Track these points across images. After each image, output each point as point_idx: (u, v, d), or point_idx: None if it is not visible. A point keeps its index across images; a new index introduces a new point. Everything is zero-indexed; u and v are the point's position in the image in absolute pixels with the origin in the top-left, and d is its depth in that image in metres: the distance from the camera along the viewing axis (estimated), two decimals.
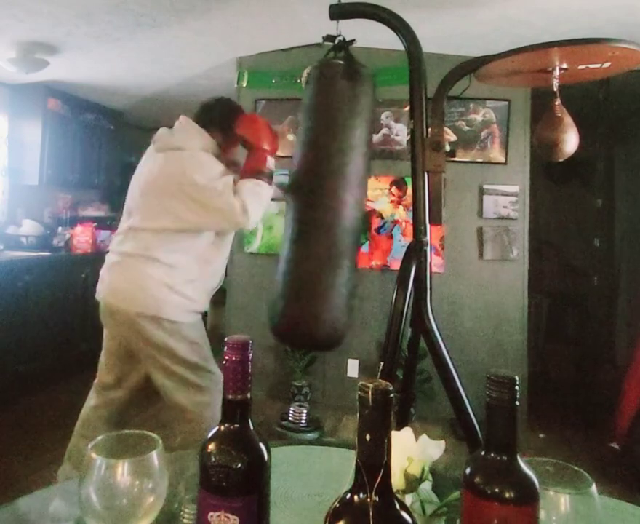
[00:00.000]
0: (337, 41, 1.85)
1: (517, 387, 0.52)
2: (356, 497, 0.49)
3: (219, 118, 2.06)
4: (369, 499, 0.48)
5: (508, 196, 3.55)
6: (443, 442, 0.73)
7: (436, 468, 0.75)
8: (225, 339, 0.58)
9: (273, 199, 2.16)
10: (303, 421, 3.23)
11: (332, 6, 1.78)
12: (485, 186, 3.58)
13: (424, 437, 0.73)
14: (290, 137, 3.69)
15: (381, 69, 3.33)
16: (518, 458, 0.52)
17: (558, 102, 1.71)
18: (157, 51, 3.60)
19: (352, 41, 1.88)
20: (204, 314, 2.13)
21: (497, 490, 0.51)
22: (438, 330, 1.73)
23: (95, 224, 4.61)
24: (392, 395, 0.49)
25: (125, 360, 2.05)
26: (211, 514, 0.56)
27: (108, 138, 5.05)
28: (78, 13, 2.93)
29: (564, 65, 1.62)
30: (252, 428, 0.59)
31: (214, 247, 2.03)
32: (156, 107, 5.05)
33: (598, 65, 1.61)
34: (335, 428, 3.37)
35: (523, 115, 3.55)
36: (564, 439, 3.29)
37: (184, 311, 1.97)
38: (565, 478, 0.59)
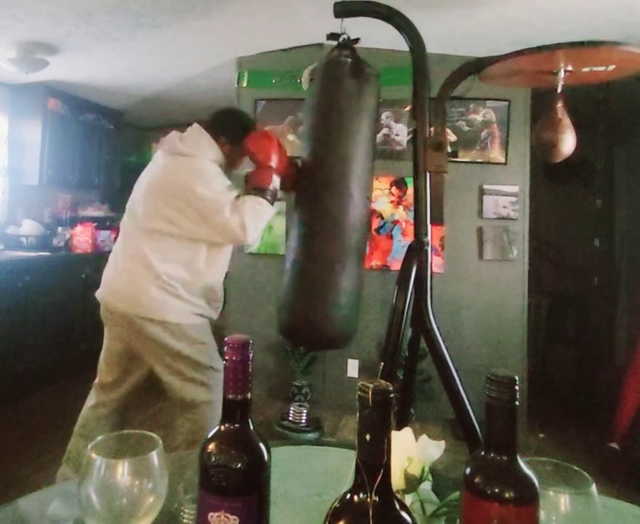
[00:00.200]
0: (341, 40, 1.85)
1: (517, 387, 0.52)
2: (355, 497, 0.49)
3: (230, 130, 2.05)
4: (369, 499, 0.48)
5: (508, 196, 3.55)
6: (443, 442, 0.73)
7: (436, 468, 0.75)
8: (225, 339, 0.58)
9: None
10: (303, 421, 3.22)
11: (336, 4, 1.78)
12: (485, 186, 3.58)
13: (424, 437, 0.73)
14: (290, 137, 3.69)
15: (381, 69, 3.32)
16: (518, 458, 0.52)
17: (560, 103, 1.71)
18: (157, 51, 3.60)
19: (357, 40, 1.88)
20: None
21: (497, 490, 0.50)
22: (438, 330, 1.73)
23: (95, 224, 4.61)
24: (392, 395, 0.49)
25: (126, 359, 2.06)
26: (211, 514, 0.56)
27: (108, 138, 5.05)
28: (78, 13, 2.93)
29: (569, 68, 1.62)
30: (252, 428, 0.59)
31: (209, 256, 2.01)
32: (156, 107, 5.05)
33: (602, 68, 1.61)
34: (335, 428, 3.37)
35: (523, 115, 3.54)
36: (564, 439, 3.29)
37: (184, 313, 1.97)
38: (565, 478, 0.59)
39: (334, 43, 1.87)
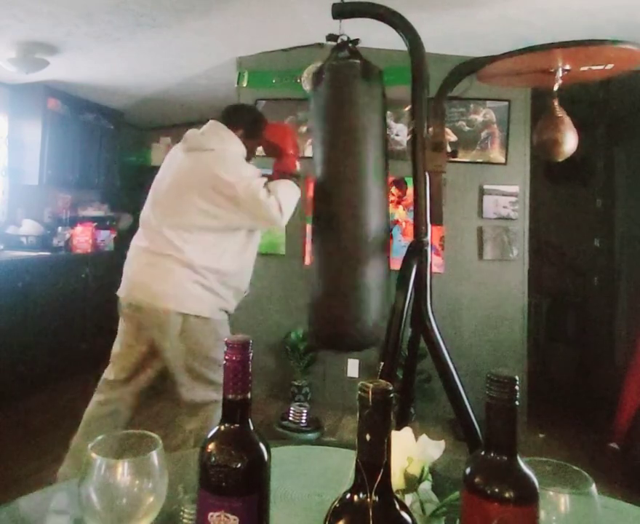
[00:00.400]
0: (339, 41, 1.85)
1: (517, 387, 0.52)
2: (355, 497, 0.49)
3: (246, 123, 2.14)
4: (368, 499, 0.48)
5: (508, 196, 3.55)
6: (443, 442, 0.73)
7: (436, 468, 0.75)
8: (225, 339, 0.58)
9: None
10: (303, 421, 3.23)
11: (334, 5, 1.78)
12: (485, 186, 3.58)
13: (424, 437, 0.73)
14: None
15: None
16: (518, 458, 0.52)
17: (557, 102, 1.71)
18: (157, 51, 3.59)
19: (357, 41, 1.88)
20: None
21: (497, 490, 0.50)
22: (438, 330, 1.73)
23: (95, 224, 4.61)
24: (392, 395, 0.49)
25: (142, 356, 2.06)
26: (211, 514, 0.56)
27: (108, 138, 5.04)
28: (78, 13, 2.93)
29: (567, 66, 1.62)
30: (252, 428, 0.59)
31: (244, 244, 2.08)
32: (156, 107, 5.04)
33: (601, 67, 1.61)
34: (335, 428, 3.37)
35: (523, 115, 3.54)
36: (564, 439, 3.29)
37: (215, 309, 2.02)
38: (565, 478, 0.59)
39: (334, 43, 1.87)
